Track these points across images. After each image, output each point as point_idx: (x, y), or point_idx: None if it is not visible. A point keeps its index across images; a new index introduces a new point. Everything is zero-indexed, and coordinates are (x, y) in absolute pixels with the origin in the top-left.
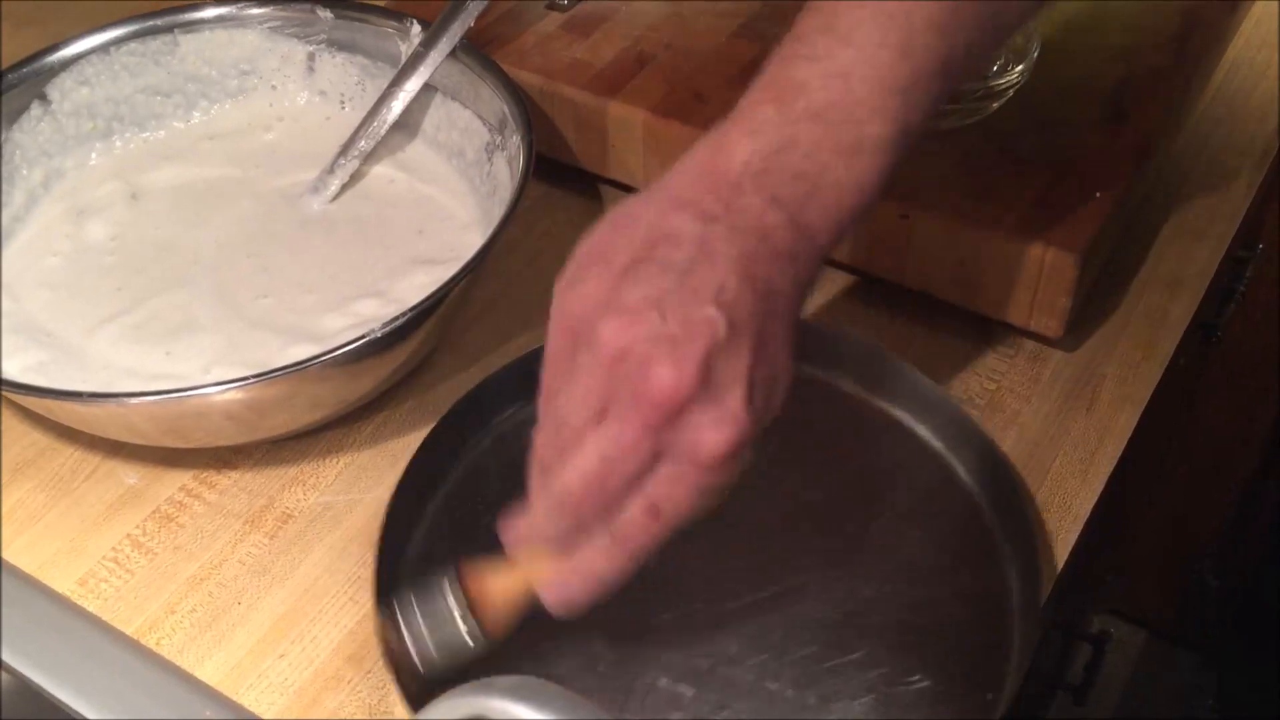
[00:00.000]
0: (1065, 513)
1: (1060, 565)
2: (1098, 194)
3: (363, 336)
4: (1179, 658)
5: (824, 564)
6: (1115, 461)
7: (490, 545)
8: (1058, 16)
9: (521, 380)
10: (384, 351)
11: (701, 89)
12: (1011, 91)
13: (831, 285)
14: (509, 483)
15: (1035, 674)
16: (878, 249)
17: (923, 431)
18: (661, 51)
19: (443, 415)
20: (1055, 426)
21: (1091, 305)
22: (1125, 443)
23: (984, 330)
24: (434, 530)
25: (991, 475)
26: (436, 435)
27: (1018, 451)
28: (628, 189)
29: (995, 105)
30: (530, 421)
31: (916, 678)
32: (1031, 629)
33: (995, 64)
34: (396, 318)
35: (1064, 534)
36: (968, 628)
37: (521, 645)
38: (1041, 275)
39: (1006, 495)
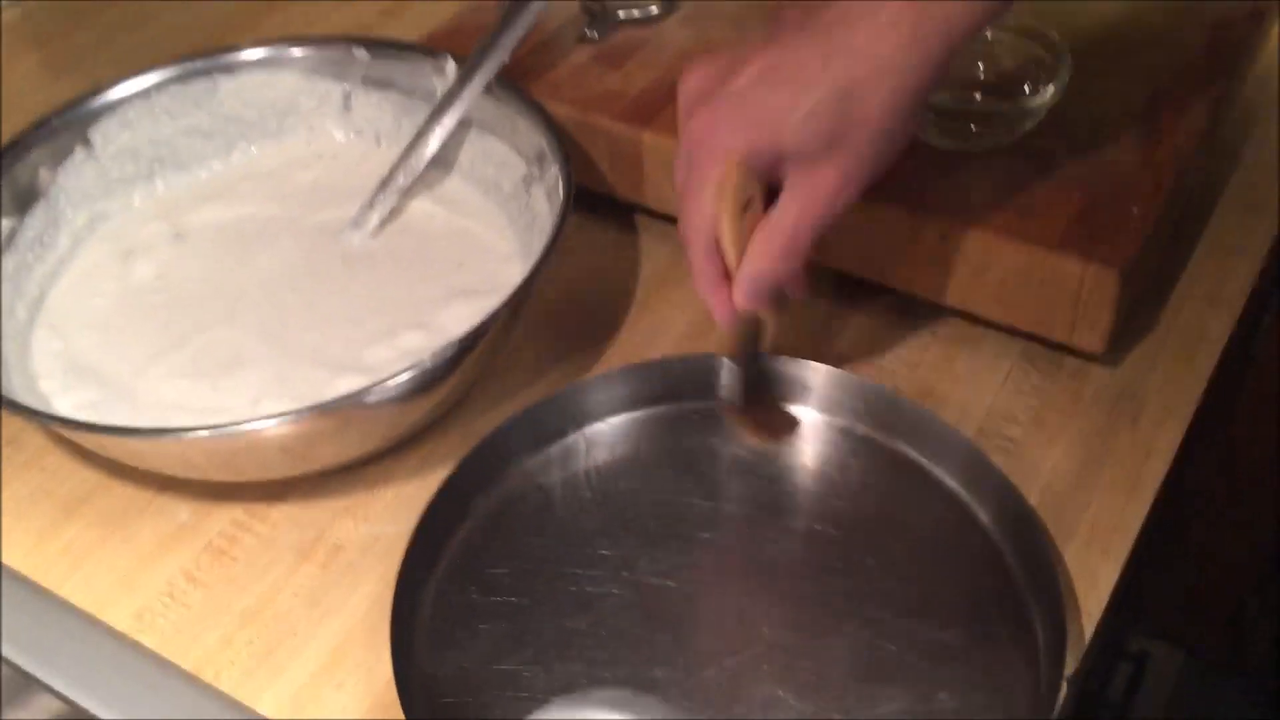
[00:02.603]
0: (1115, 529)
1: (1114, 581)
2: (1134, 210)
3: (414, 366)
4: (1221, 680)
5: (844, 600)
6: (1163, 476)
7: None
8: (1086, 37)
9: (529, 429)
10: (434, 381)
11: None
12: (1044, 112)
13: (872, 306)
14: (517, 533)
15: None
16: (918, 269)
17: (937, 470)
18: None
19: (446, 476)
20: (1100, 444)
21: (1132, 321)
22: (1172, 457)
23: (1025, 348)
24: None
25: (1012, 519)
26: (449, 486)
27: (1064, 468)
28: (663, 217)
29: (1030, 125)
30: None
31: (943, 696)
32: (1056, 676)
33: (1027, 86)
34: (447, 346)
35: (1115, 549)
36: (996, 661)
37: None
38: (1083, 292)
39: (1028, 542)
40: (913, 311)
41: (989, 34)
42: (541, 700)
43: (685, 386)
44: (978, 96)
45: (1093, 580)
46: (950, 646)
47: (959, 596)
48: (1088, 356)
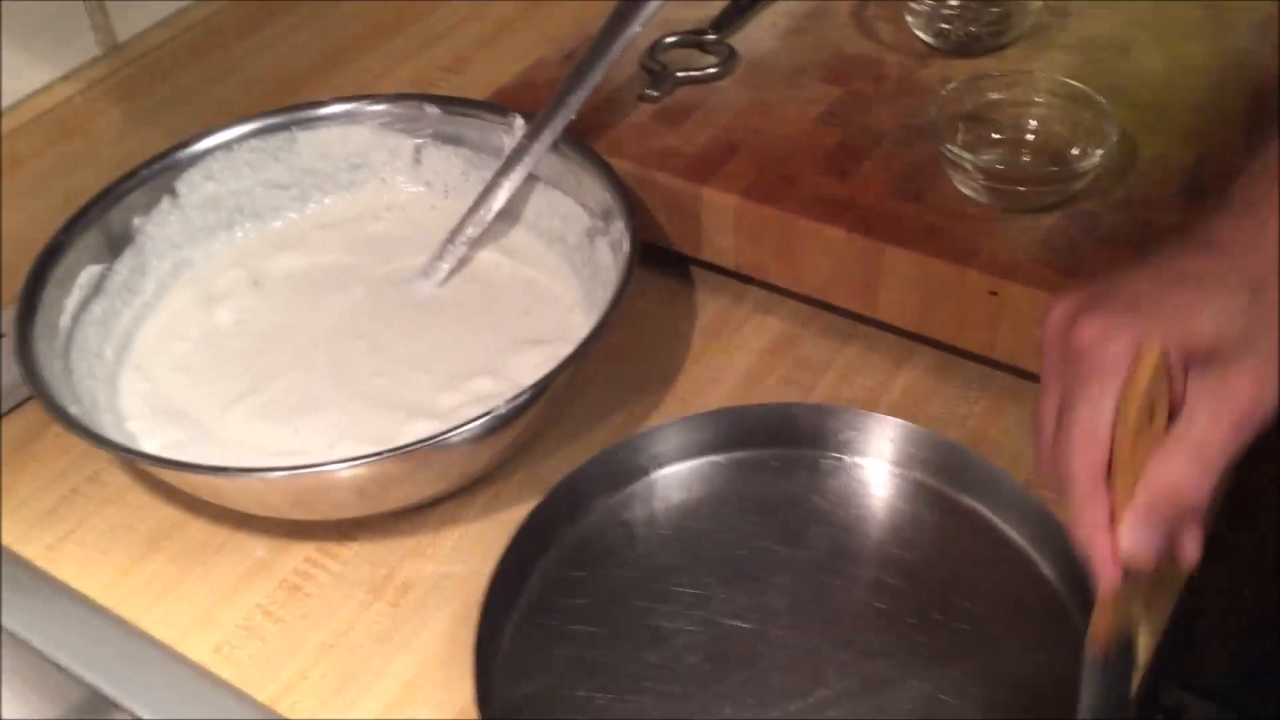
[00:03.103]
0: (1160, 582)
1: (1161, 633)
2: None
3: (490, 411)
4: None
5: (909, 652)
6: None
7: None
8: (1134, 103)
9: (610, 468)
10: (506, 425)
11: (790, 173)
12: (1092, 174)
13: (916, 359)
14: (596, 567)
15: None
16: (968, 324)
17: (1004, 525)
18: (749, 138)
19: (530, 511)
20: None
21: None
22: (1217, 507)
23: None
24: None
25: (1072, 568)
26: (528, 527)
27: None
28: (718, 269)
29: (1077, 186)
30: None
31: None
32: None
33: (1075, 149)
34: (522, 392)
35: (1161, 602)
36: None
37: None
38: None
39: (1088, 589)
40: (960, 365)
41: (1038, 99)
42: None
43: (760, 433)
44: (1027, 158)
45: (1138, 631)
46: (1012, 705)
47: (1022, 651)
48: None
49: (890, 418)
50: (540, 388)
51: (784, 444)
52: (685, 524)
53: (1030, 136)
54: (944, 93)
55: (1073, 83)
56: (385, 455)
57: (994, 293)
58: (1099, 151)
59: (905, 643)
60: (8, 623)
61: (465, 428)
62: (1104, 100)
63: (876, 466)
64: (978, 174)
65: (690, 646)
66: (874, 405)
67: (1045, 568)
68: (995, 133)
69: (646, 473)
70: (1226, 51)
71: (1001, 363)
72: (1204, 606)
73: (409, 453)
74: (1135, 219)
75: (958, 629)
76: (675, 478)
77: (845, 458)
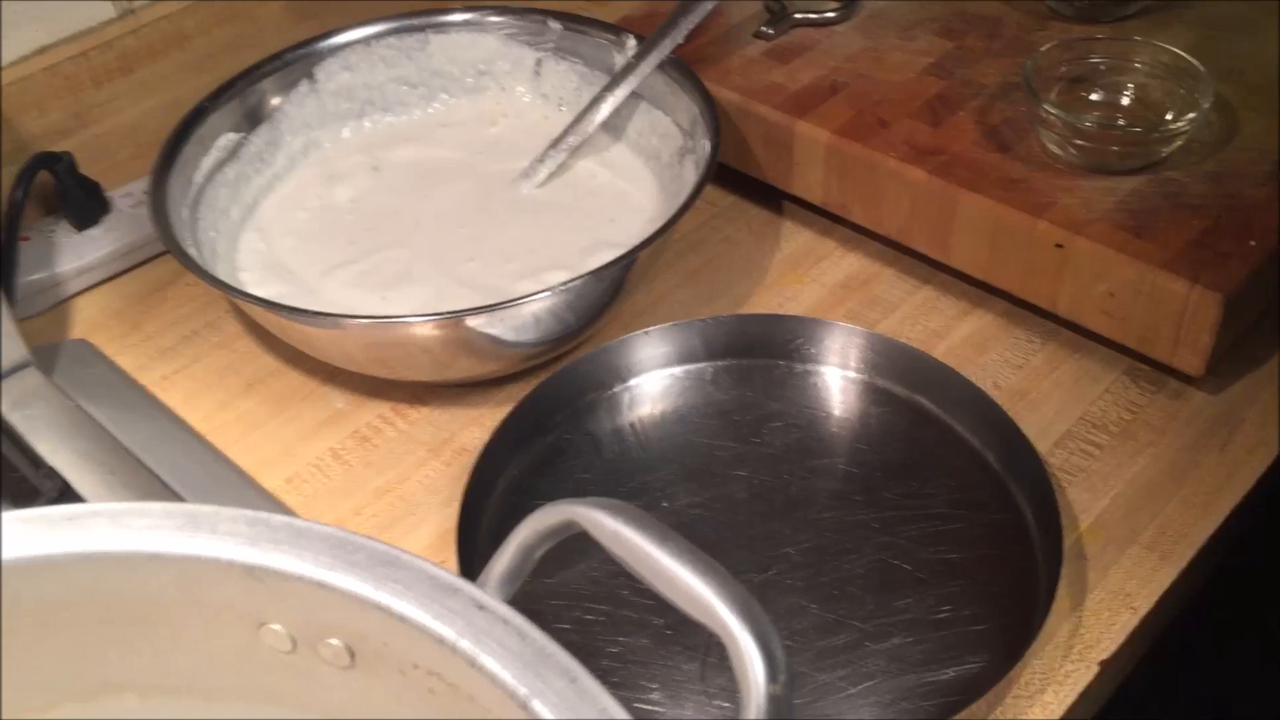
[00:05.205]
0: (1180, 539)
1: (1169, 584)
2: (1251, 242)
3: (543, 290)
4: None
5: (863, 526)
6: (1240, 497)
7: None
8: (1243, 82)
9: (578, 381)
10: (560, 311)
11: (886, 116)
12: (1181, 139)
13: (984, 309)
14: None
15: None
16: (1032, 276)
17: (953, 421)
18: (853, 81)
19: (500, 421)
20: (1185, 461)
21: (1239, 352)
22: (1254, 481)
23: (1130, 366)
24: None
25: (1015, 459)
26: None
27: (1144, 479)
28: (808, 205)
29: (1165, 151)
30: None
31: (949, 606)
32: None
33: (1170, 112)
34: (573, 279)
35: (1176, 556)
36: (999, 577)
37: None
38: (1186, 312)
39: (1031, 474)
40: (1026, 319)
41: (1139, 65)
42: (591, 609)
43: (721, 345)
44: (1120, 123)
45: (1147, 579)
46: (958, 565)
47: (967, 525)
48: (1190, 380)
49: (843, 324)
50: (598, 276)
51: (742, 355)
52: (648, 431)
53: (1125, 102)
54: (1042, 49)
55: (1176, 51)
56: (446, 315)
57: (1060, 245)
58: (1189, 116)
59: (858, 519)
60: (121, 438)
61: (522, 300)
62: (1204, 69)
63: (832, 372)
64: (1066, 130)
65: None
66: (931, 347)
67: (992, 459)
68: (1090, 94)
69: (610, 386)
70: None
71: (1065, 319)
72: None
73: (461, 317)
74: (1221, 191)
75: (908, 505)
76: (638, 390)
77: (801, 365)
